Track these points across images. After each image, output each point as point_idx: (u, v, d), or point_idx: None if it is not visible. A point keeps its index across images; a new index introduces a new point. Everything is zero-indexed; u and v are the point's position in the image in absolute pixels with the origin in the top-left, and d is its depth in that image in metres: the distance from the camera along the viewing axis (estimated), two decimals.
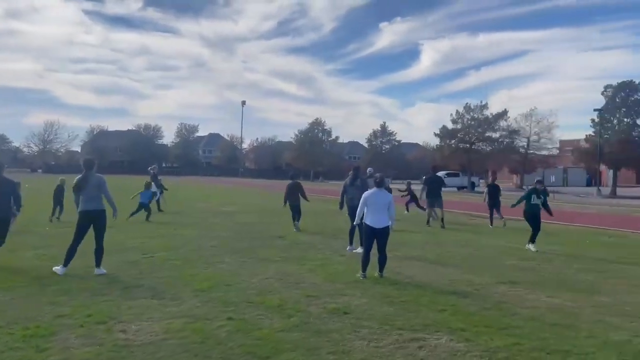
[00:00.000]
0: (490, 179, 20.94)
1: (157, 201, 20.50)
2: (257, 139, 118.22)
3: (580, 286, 8.68)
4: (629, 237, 16.12)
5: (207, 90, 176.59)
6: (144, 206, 17.50)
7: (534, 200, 12.62)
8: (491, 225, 18.29)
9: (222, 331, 5.80)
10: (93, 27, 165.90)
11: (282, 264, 10.00)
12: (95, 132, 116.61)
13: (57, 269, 8.59)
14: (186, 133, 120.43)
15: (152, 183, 20.07)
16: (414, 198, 22.51)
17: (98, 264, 8.70)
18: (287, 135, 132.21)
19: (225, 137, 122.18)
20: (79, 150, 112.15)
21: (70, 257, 8.65)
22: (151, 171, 21.53)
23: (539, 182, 12.97)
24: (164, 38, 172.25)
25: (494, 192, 18.82)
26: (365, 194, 9.24)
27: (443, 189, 19.27)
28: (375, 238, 8.99)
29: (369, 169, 14.77)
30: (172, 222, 16.88)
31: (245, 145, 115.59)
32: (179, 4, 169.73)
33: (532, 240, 12.59)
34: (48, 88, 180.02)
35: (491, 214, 18.67)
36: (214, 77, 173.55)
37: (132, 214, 16.92)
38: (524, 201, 12.84)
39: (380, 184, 9.21)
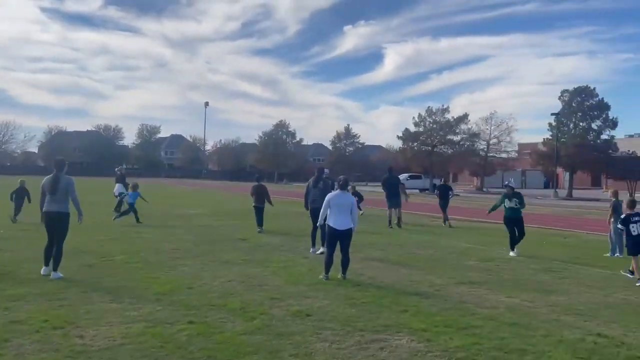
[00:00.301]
0: (442, 180, 21.92)
1: (120, 202, 20.33)
2: (220, 140, 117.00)
3: (537, 286, 8.90)
4: (584, 238, 16.60)
5: (169, 91, 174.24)
6: (131, 206, 17.78)
7: (508, 204, 12.68)
8: (445, 223, 19.11)
9: (183, 335, 5.72)
10: (51, 26, 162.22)
11: (244, 267, 9.93)
12: (53, 133, 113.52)
13: (52, 274, 8.46)
14: (147, 134, 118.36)
15: (118, 184, 20.18)
16: (360, 199, 23.19)
17: (55, 268, 8.52)
18: (251, 137, 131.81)
19: (188, 138, 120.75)
20: (36, 151, 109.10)
21: (48, 257, 8.64)
22: (118, 172, 21.37)
23: (506, 186, 13.17)
24: (125, 37, 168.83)
25: (444, 193, 19.78)
26: (328, 196, 9.30)
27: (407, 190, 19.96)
28: (338, 240, 9.05)
29: (325, 171, 14.93)
30: (132, 225, 16.59)
31: (208, 147, 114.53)
32: (140, 3, 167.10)
33: (512, 247, 12.42)
34: (3, 87, 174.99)
35: (444, 213, 19.57)
36: (176, 77, 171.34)
37: (135, 216, 17.41)
38: (504, 208, 12.82)
39: (343, 186, 9.30)
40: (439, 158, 61.34)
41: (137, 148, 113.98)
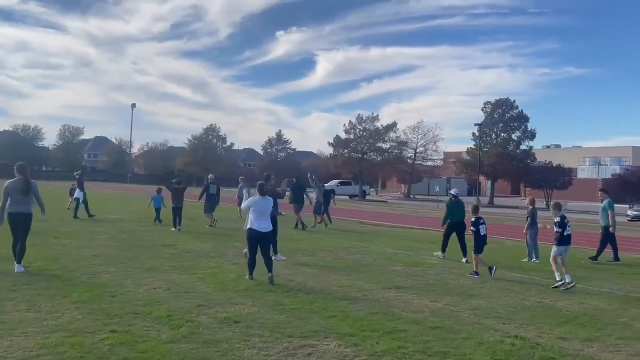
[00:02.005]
0: (323, 186, 23.73)
1: (86, 205, 20.62)
2: (147, 143, 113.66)
3: (460, 290, 9.22)
4: (504, 243, 17.34)
5: (93, 91, 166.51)
6: (158, 211, 19.20)
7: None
8: (329, 224, 20.55)
9: (104, 345, 5.52)
10: None
11: (171, 273, 9.71)
12: None
13: (16, 267, 9.26)
14: (70, 135, 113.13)
15: (78, 190, 20.84)
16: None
17: (19, 261, 9.33)
18: (180, 140, 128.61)
19: (113, 140, 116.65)
20: None
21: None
22: (77, 176, 21.66)
23: (452, 195, 13.63)
24: (47, 34, 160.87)
25: (326, 197, 21.53)
26: (250, 200, 9.74)
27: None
28: (259, 242, 9.39)
29: (210, 176, 18.33)
30: (51, 230, 15.81)
31: (134, 150, 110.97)
32: None
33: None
34: None
35: (327, 215, 21.12)
36: (101, 77, 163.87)
37: (155, 219, 18.89)
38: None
39: (263, 191, 9.68)
40: (369, 165, 62.53)
41: (58, 150, 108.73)
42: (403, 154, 64.21)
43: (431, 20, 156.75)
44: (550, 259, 10.16)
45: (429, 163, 65.87)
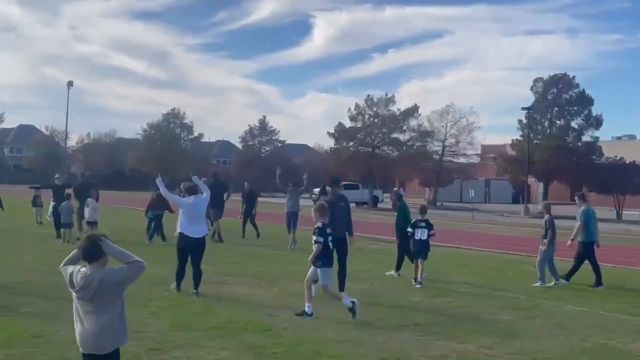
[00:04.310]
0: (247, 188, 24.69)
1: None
2: (88, 133, 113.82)
3: (498, 328, 9.24)
4: (559, 265, 17.33)
5: (17, 64, 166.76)
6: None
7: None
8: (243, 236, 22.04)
9: None
10: None
11: None
12: None
13: None
14: None
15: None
16: None
17: None
18: (132, 130, 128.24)
19: (43, 130, 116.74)
20: None
21: None
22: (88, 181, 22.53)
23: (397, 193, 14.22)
24: None
25: (250, 201, 23.03)
26: (181, 201, 11.02)
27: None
28: (190, 250, 10.77)
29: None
30: None
31: (72, 142, 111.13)
32: None
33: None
34: None
35: (244, 223, 22.66)
36: (27, 46, 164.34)
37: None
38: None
39: (193, 191, 10.95)
40: (382, 162, 62.22)
41: None
42: (427, 147, 64.15)
43: None
44: (306, 282, 9.74)
45: (462, 160, 65.82)
